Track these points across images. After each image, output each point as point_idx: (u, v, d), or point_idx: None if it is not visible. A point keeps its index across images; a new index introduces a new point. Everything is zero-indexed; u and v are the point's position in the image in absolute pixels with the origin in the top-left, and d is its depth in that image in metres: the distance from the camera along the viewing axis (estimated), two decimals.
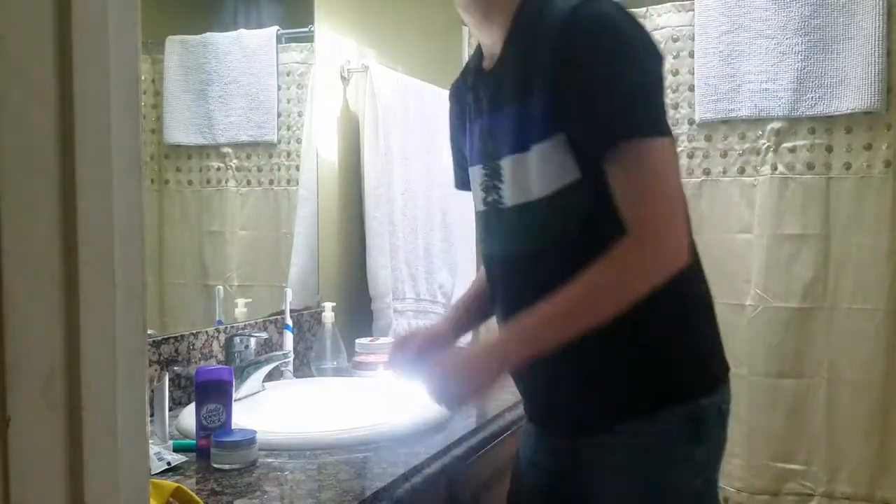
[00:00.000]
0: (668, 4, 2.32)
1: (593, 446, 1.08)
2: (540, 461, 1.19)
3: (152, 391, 1.25)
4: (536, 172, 1.02)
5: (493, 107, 1.11)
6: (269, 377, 1.60)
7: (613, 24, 0.97)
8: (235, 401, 1.31)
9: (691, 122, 2.30)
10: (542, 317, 1.00)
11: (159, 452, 1.15)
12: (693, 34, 2.28)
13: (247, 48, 1.79)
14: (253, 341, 1.60)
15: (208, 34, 1.69)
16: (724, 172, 2.28)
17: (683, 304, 1.05)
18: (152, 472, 1.09)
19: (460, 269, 2.37)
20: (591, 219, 1.01)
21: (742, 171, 2.26)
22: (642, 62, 0.99)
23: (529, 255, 1.08)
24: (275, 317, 1.78)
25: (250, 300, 1.75)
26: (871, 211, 2.11)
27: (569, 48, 0.97)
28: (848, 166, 2.14)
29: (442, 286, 2.30)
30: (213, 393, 1.22)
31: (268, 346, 1.73)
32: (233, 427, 1.23)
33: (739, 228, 2.26)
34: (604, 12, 0.98)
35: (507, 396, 1.53)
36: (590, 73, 0.97)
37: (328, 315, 1.81)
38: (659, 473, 1.05)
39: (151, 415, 1.24)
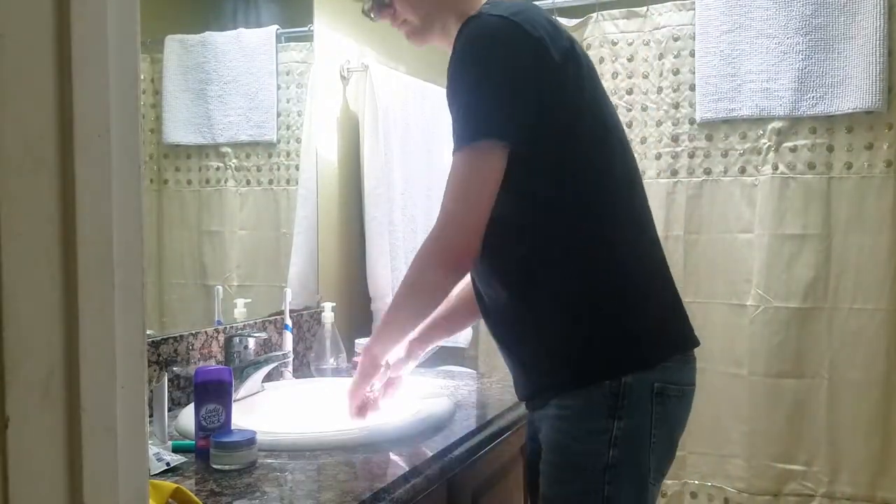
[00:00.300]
0: (670, 3, 2.32)
1: (540, 419, 1.20)
2: (528, 432, 1.32)
3: (151, 391, 1.25)
4: None
5: None
6: (269, 377, 1.60)
7: (472, 37, 1.09)
8: (235, 401, 1.31)
9: (692, 121, 2.30)
10: (387, 312, 1.25)
11: (158, 453, 1.14)
12: (694, 33, 2.28)
13: (246, 47, 1.79)
14: (252, 341, 1.60)
15: (207, 33, 1.69)
16: (725, 172, 2.28)
17: (594, 290, 1.13)
18: (151, 473, 1.09)
19: None
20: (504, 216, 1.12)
21: (743, 171, 2.26)
22: (481, 75, 1.08)
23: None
24: (274, 317, 1.78)
25: (250, 300, 1.75)
26: (872, 211, 2.11)
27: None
28: (849, 166, 2.14)
29: None
30: (212, 393, 1.22)
31: (267, 347, 1.73)
32: (232, 427, 1.23)
33: (740, 228, 2.26)
34: (473, 34, 1.09)
35: (507, 396, 1.53)
36: (452, 87, 1.12)
37: (328, 315, 1.80)
38: (573, 441, 1.13)
39: (150, 415, 1.24)
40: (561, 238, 1.13)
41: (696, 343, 1.20)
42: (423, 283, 1.18)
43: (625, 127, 2.34)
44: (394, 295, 1.25)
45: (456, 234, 1.12)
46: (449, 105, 1.13)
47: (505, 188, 1.10)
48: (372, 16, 1.32)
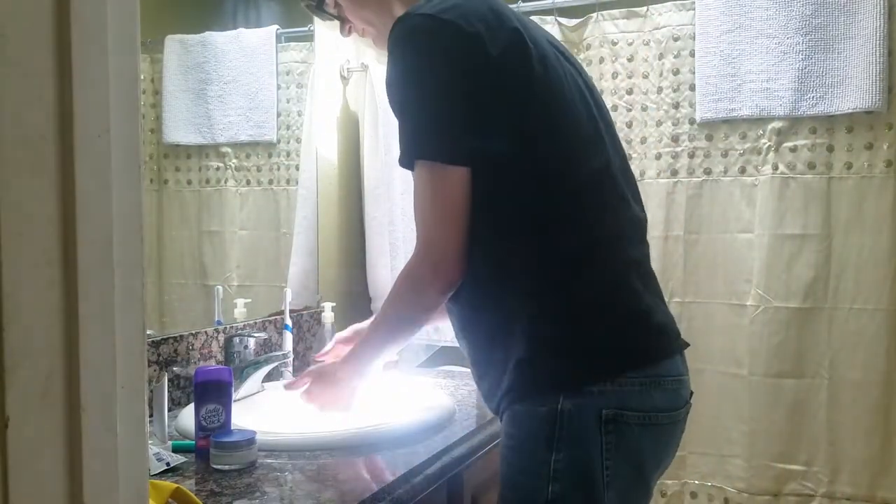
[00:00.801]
0: (669, 3, 2.32)
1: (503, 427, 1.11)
2: None
3: (151, 391, 1.25)
4: None
5: None
6: (269, 377, 1.60)
7: (400, 49, 1.03)
8: (235, 401, 1.31)
9: (692, 121, 2.30)
10: (365, 336, 1.21)
11: (158, 453, 1.14)
12: (694, 33, 2.27)
13: (246, 47, 1.79)
14: (252, 341, 1.60)
15: (207, 33, 1.69)
16: (725, 172, 2.28)
17: (530, 310, 1.04)
18: (151, 473, 1.09)
19: None
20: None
21: (743, 171, 2.26)
22: (418, 86, 1.03)
23: None
24: (274, 317, 1.78)
25: (250, 300, 1.75)
26: (872, 211, 2.11)
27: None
28: (849, 166, 2.14)
29: None
30: (212, 393, 1.22)
31: (267, 347, 1.73)
32: (232, 427, 1.23)
33: (740, 228, 2.26)
34: (396, 36, 1.03)
35: None
36: (389, 98, 1.07)
37: (328, 315, 1.80)
38: (518, 474, 1.05)
39: (150, 415, 1.24)
40: (504, 252, 1.05)
41: (661, 356, 1.06)
42: (416, 307, 1.13)
43: (625, 127, 2.36)
44: (379, 318, 1.19)
45: (443, 254, 1.05)
46: (391, 107, 1.09)
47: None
48: (342, 34, 1.32)
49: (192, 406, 1.28)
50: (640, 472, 1.05)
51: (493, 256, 1.06)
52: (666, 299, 2.37)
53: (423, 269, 1.07)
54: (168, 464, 1.13)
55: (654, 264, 2.37)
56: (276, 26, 1.85)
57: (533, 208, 1.04)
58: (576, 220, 1.05)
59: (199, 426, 1.21)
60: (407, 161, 1.05)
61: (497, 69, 1.01)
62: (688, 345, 1.15)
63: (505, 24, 1.04)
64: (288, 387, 1.37)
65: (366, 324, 1.40)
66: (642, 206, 1.18)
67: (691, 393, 1.14)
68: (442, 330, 1.99)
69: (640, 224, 1.16)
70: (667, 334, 1.10)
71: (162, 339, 1.48)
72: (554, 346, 1.04)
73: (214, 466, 1.14)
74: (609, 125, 1.17)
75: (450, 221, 1.04)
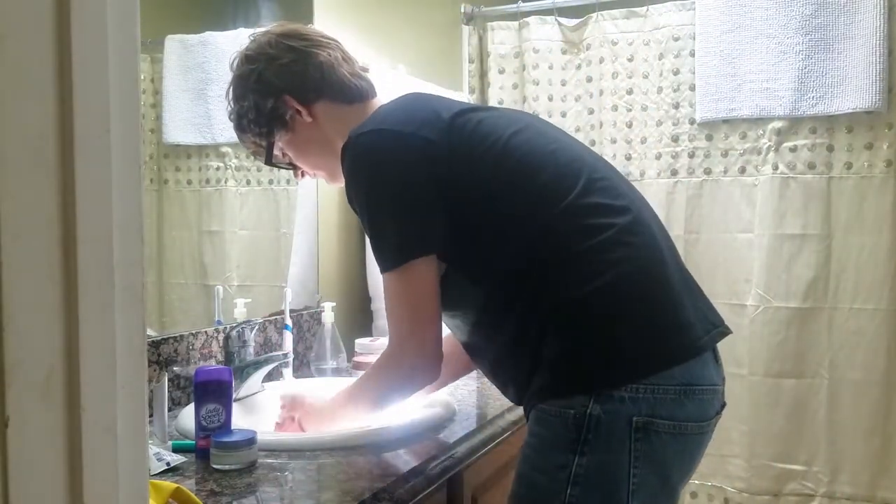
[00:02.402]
0: (670, 3, 2.32)
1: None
2: None
3: (151, 391, 1.25)
4: None
5: None
6: (269, 377, 1.60)
7: (356, 162, 1.12)
8: (235, 401, 1.31)
9: (692, 121, 2.30)
10: (345, 404, 1.27)
11: (158, 453, 1.14)
12: (694, 33, 2.28)
13: None
14: (251, 336, 1.60)
15: (207, 33, 1.69)
16: (725, 172, 2.28)
17: (547, 314, 1.06)
18: (151, 473, 1.09)
19: None
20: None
21: (743, 171, 2.26)
22: (380, 195, 1.11)
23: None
24: (274, 317, 1.78)
25: (250, 300, 1.75)
26: (872, 210, 2.11)
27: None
28: (849, 166, 2.14)
29: None
30: (212, 393, 1.22)
31: (267, 347, 1.73)
32: (232, 427, 1.23)
33: (740, 228, 2.26)
34: (347, 159, 1.13)
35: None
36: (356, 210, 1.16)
37: (328, 315, 1.80)
38: (535, 473, 1.07)
39: (150, 415, 1.24)
40: (510, 289, 1.08)
41: (688, 354, 1.05)
42: (396, 395, 1.21)
43: (625, 127, 2.36)
44: (362, 388, 1.25)
45: (418, 353, 1.13)
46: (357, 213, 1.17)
47: (451, 275, 1.12)
48: (296, 178, 1.41)
49: (192, 406, 1.28)
50: (667, 482, 1.05)
51: (506, 286, 1.09)
52: None
53: (401, 369, 1.16)
54: (168, 464, 1.13)
55: None
56: None
57: (529, 236, 1.08)
58: (579, 234, 1.06)
59: (200, 426, 1.21)
60: (390, 266, 1.12)
61: (446, 152, 1.09)
62: (727, 332, 1.14)
63: (441, 112, 1.13)
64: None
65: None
66: (646, 203, 1.19)
67: (723, 404, 1.14)
68: None
69: (649, 221, 1.15)
70: (692, 331, 1.08)
71: (162, 339, 1.48)
72: (583, 349, 1.05)
73: (214, 466, 1.14)
74: (581, 143, 1.23)
75: (419, 317, 1.11)
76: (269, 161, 1.32)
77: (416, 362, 1.13)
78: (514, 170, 1.10)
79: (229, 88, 1.32)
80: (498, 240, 1.09)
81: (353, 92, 1.28)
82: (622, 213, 1.09)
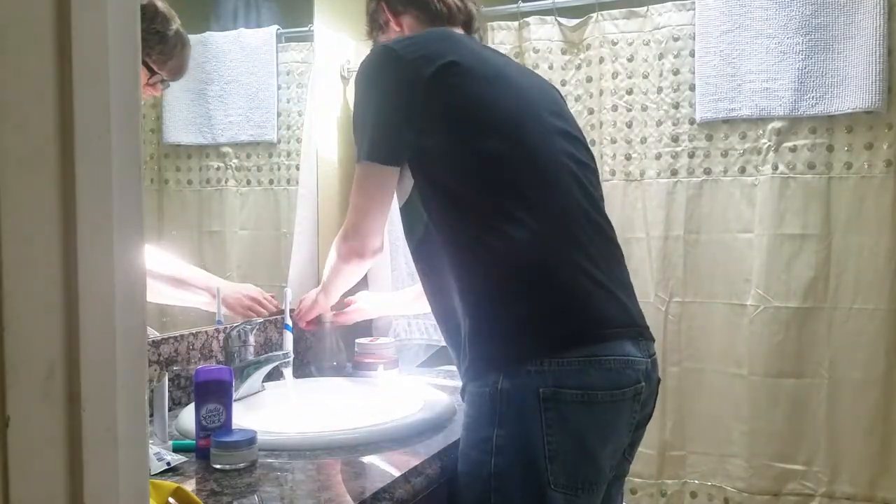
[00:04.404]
0: (669, 3, 2.32)
1: None
2: None
3: (152, 391, 1.25)
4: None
5: None
6: (269, 377, 1.60)
7: (363, 67, 1.26)
8: (235, 401, 1.31)
9: (692, 121, 2.30)
10: (327, 277, 1.59)
11: (159, 452, 1.15)
12: (694, 33, 2.27)
13: (246, 47, 1.79)
14: (251, 337, 1.60)
15: (208, 33, 1.69)
16: (725, 172, 2.28)
17: (478, 289, 1.16)
18: (152, 473, 1.09)
19: None
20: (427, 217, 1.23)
21: (743, 171, 2.26)
22: (370, 99, 1.24)
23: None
24: (274, 317, 1.78)
25: None
26: (871, 210, 2.11)
27: None
28: (849, 166, 2.14)
29: None
30: (212, 393, 1.22)
31: (267, 347, 1.73)
32: (233, 427, 1.23)
33: (740, 228, 2.26)
34: (364, 61, 1.27)
35: None
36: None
37: (328, 315, 1.80)
38: (469, 449, 1.16)
39: (151, 415, 1.24)
40: (455, 237, 1.18)
41: (596, 340, 1.12)
42: (344, 268, 1.47)
43: (625, 127, 2.36)
44: (330, 265, 1.54)
45: (357, 238, 1.33)
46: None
47: (414, 197, 1.23)
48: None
49: (192, 406, 1.29)
50: (584, 447, 1.12)
51: (441, 245, 1.20)
52: (666, 299, 2.37)
53: (346, 248, 1.37)
54: (168, 463, 1.13)
55: (654, 264, 2.38)
56: (277, 26, 1.85)
57: (470, 196, 1.17)
58: (517, 204, 1.15)
59: (200, 426, 1.21)
60: (360, 159, 1.27)
61: (428, 85, 1.18)
62: (651, 339, 1.23)
63: (444, 50, 1.22)
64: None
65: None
66: (599, 189, 1.30)
67: (655, 379, 1.23)
68: None
69: (589, 206, 1.23)
70: (607, 321, 1.15)
71: (162, 339, 1.48)
72: (490, 330, 1.15)
73: (215, 466, 1.14)
74: (571, 124, 1.32)
75: (369, 206, 1.29)
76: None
77: (357, 243, 1.34)
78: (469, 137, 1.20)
79: None
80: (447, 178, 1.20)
81: (434, 12, 1.40)
82: (575, 207, 1.20)
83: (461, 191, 1.18)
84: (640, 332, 1.20)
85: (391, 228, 2.11)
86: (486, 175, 1.17)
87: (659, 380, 1.25)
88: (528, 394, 1.09)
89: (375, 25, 1.47)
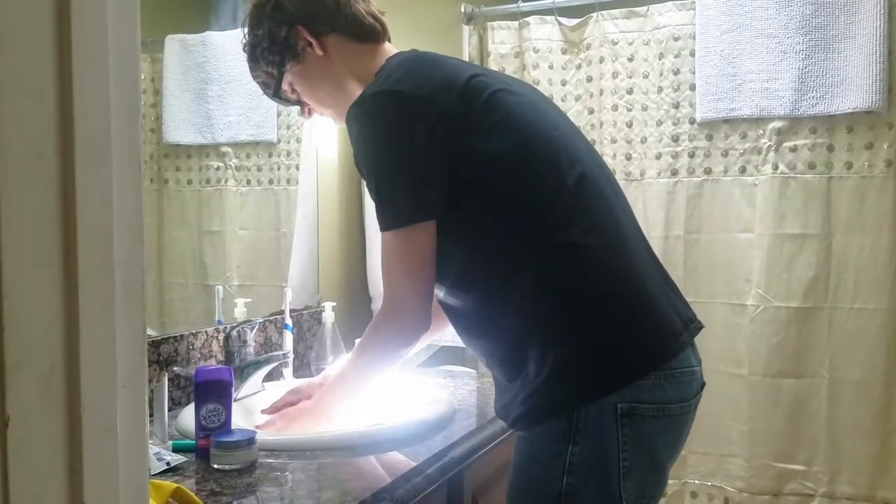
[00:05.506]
0: (670, 3, 2.32)
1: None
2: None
3: (151, 391, 1.25)
4: None
5: None
6: (269, 377, 1.60)
7: (359, 127, 1.11)
8: (235, 401, 1.31)
9: (692, 121, 2.30)
10: (345, 374, 1.29)
11: (159, 453, 1.15)
12: (694, 33, 2.27)
13: None
14: (251, 335, 1.60)
15: (208, 33, 1.69)
16: (726, 172, 2.28)
17: (536, 324, 1.08)
18: (152, 473, 1.09)
19: None
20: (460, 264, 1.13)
21: (743, 171, 2.26)
22: (383, 157, 1.10)
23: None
24: (274, 317, 1.78)
25: (250, 300, 1.75)
26: (872, 210, 2.11)
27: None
28: (849, 166, 2.14)
29: None
30: (212, 393, 1.22)
31: (267, 347, 1.73)
32: (232, 427, 1.23)
33: (740, 228, 2.26)
34: (355, 114, 1.11)
35: None
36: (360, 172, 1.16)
37: (328, 315, 1.80)
38: (532, 464, 1.10)
39: (151, 415, 1.24)
40: (504, 277, 1.10)
41: (669, 353, 1.09)
42: (386, 356, 1.23)
43: (625, 127, 2.36)
44: (357, 359, 1.28)
45: (408, 312, 1.15)
46: (363, 177, 1.17)
47: (450, 245, 1.11)
48: (302, 116, 1.38)
49: (192, 406, 1.28)
50: (655, 462, 1.09)
51: (491, 283, 1.12)
52: None
53: (390, 332, 1.19)
54: (168, 463, 1.13)
55: None
56: None
57: (514, 232, 1.09)
58: (560, 233, 1.09)
59: (200, 426, 1.21)
60: (390, 227, 1.12)
61: (457, 121, 1.09)
62: (702, 326, 1.19)
63: (456, 77, 1.12)
64: (261, 427, 1.34)
65: (316, 379, 1.45)
66: (627, 204, 1.23)
67: (703, 384, 1.18)
68: None
69: (624, 220, 1.18)
70: (675, 334, 1.11)
71: (162, 339, 1.48)
72: (566, 368, 1.07)
73: (215, 466, 1.14)
74: (580, 135, 1.23)
75: (416, 276, 1.12)
76: (277, 93, 1.30)
77: (408, 319, 1.15)
78: (516, 152, 1.11)
79: (245, 18, 1.31)
80: (494, 219, 1.11)
81: (366, 29, 1.26)
82: (618, 224, 1.14)
83: (503, 231, 1.10)
84: (692, 332, 1.16)
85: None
86: (548, 207, 1.09)
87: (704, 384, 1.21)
88: (607, 410, 1.05)
89: (289, 55, 1.26)
